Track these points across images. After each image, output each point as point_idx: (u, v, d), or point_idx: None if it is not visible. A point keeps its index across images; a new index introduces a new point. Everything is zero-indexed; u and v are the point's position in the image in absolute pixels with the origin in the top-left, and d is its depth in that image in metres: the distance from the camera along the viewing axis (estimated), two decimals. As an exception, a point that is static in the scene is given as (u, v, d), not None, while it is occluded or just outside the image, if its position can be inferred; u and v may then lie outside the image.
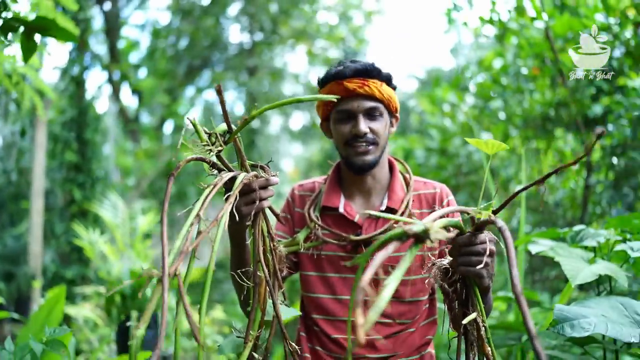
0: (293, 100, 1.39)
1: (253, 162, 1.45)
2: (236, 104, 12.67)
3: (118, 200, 5.06)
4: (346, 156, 1.73)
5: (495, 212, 1.31)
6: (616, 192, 5.29)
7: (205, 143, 1.33)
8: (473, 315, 1.31)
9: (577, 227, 2.25)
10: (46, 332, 1.67)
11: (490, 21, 6.07)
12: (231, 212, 1.29)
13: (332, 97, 1.35)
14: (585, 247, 2.13)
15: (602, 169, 5.70)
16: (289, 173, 18.78)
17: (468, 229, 1.32)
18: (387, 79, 1.74)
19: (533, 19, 5.75)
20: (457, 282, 1.38)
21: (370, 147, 1.69)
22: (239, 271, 1.43)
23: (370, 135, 1.69)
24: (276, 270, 1.42)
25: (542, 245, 2.11)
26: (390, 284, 0.80)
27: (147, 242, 4.84)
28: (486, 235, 1.32)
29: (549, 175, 1.20)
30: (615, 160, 5.43)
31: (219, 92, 1.29)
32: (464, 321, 1.28)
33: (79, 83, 7.87)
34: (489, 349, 1.32)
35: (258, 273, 1.36)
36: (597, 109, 5.75)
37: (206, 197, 1.21)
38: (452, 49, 19.51)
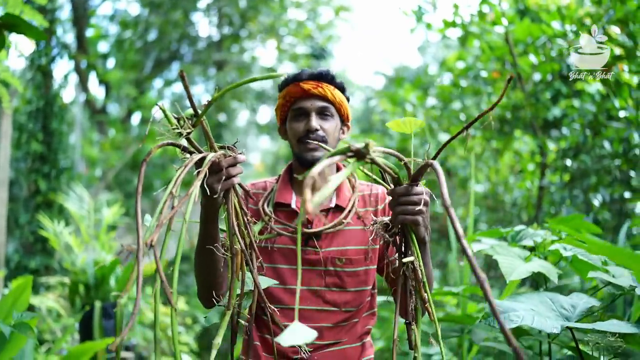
0: (248, 80, 1.51)
1: (221, 144, 1.56)
2: (203, 98, 12.69)
3: (84, 192, 5.11)
4: (298, 152, 1.87)
5: (433, 159, 1.46)
6: (568, 193, 5.51)
7: (174, 127, 1.44)
8: (411, 258, 1.46)
9: (517, 228, 2.41)
10: (14, 316, 1.77)
11: (453, 24, 6.23)
12: (204, 189, 1.43)
13: (283, 74, 1.47)
14: (524, 246, 2.30)
15: (556, 171, 5.93)
16: (256, 166, 18.83)
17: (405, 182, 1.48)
18: (340, 87, 1.90)
19: (494, 23, 5.93)
20: (396, 234, 1.54)
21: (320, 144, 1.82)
22: (212, 246, 1.56)
23: (320, 133, 1.83)
24: (252, 242, 1.54)
25: (484, 244, 2.26)
26: (333, 181, 0.92)
27: (112, 234, 4.91)
28: (422, 188, 1.48)
29: (472, 122, 1.35)
30: (569, 162, 5.65)
31: (182, 78, 1.41)
32: (405, 260, 1.44)
33: (45, 73, 7.84)
34: (426, 295, 1.48)
35: (235, 246, 1.47)
36: (555, 112, 5.97)
37: (178, 176, 1.34)
38: (420, 47, 19.76)
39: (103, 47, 15.23)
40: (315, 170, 0.92)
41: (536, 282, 2.46)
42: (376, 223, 1.60)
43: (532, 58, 6.04)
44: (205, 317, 1.60)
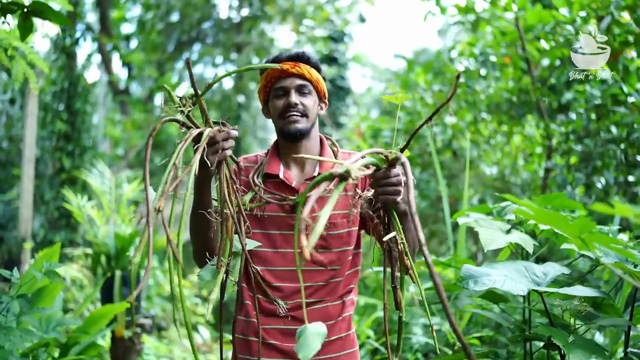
0: (245, 68, 1.76)
1: (215, 120, 1.76)
2: (225, 79, 12.86)
3: (105, 169, 5.36)
4: (281, 126, 2.07)
5: (401, 150, 1.67)
6: (572, 176, 5.65)
7: (177, 105, 1.67)
8: (393, 234, 1.67)
9: (504, 204, 2.59)
10: (44, 265, 2.01)
11: (466, 9, 6.34)
12: (201, 160, 1.63)
13: (276, 65, 1.79)
14: (508, 220, 2.48)
15: (563, 154, 6.07)
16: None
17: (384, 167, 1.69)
18: (316, 67, 2.11)
19: (505, 9, 6.04)
20: (379, 209, 1.77)
21: (301, 118, 2.03)
22: (205, 211, 1.77)
23: (300, 107, 2.03)
24: (240, 208, 1.76)
25: (469, 218, 2.45)
26: (323, 215, 1.14)
27: (132, 208, 5.17)
28: (399, 169, 1.69)
29: (433, 115, 1.55)
30: (575, 145, 5.79)
31: (188, 65, 1.65)
32: (385, 238, 1.65)
33: (69, 54, 8.09)
34: (408, 261, 1.68)
35: (225, 211, 1.69)
36: (568, 96, 6.09)
37: (180, 149, 1.57)
38: (440, 30, 19.76)
39: (126, 28, 15.47)
40: (307, 209, 1.15)
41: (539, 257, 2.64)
42: (360, 197, 1.81)
43: (543, 43, 6.15)
44: (198, 275, 1.81)
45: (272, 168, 2.08)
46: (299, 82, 2.05)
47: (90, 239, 4.90)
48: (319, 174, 2.06)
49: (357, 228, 2.08)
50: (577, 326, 2.14)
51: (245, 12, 11.02)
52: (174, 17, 12.32)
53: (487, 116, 6.32)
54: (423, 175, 6.26)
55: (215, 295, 1.67)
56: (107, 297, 4.38)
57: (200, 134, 1.65)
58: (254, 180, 2.03)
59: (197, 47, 13.14)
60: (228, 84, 12.32)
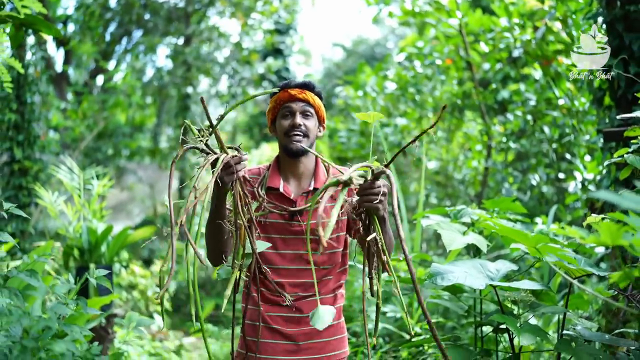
0: (249, 97, 2.11)
1: (230, 145, 2.07)
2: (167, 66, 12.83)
3: (74, 165, 5.48)
4: (285, 144, 2.38)
5: (386, 166, 1.98)
6: (508, 173, 6.15)
7: (197, 136, 2.01)
8: (374, 235, 2.00)
9: (459, 207, 2.95)
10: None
11: (412, 13, 6.70)
12: (216, 181, 1.96)
13: (274, 90, 2.19)
14: (464, 223, 2.85)
15: (501, 152, 6.56)
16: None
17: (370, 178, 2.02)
18: (319, 94, 2.44)
19: (449, 15, 6.44)
20: (362, 213, 2.10)
21: (303, 138, 2.35)
22: (221, 222, 2.11)
23: (303, 128, 2.35)
24: (252, 219, 2.09)
25: (431, 220, 2.81)
26: (334, 213, 1.55)
27: (103, 203, 5.33)
28: (381, 182, 2.01)
29: (416, 138, 1.87)
30: (512, 145, 6.28)
31: (202, 102, 1.93)
32: (368, 238, 2.00)
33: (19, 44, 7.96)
34: (385, 257, 2.03)
35: (238, 221, 2.03)
36: (504, 94, 6.57)
37: (199, 173, 1.91)
38: (375, 19, 20.16)
39: (63, 11, 15.09)
40: (321, 207, 1.59)
41: (473, 251, 3.02)
42: (347, 202, 2.13)
43: (484, 46, 6.60)
44: (217, 274, 2.12)
45: (273, 182, 2.39)
46: (304, 106, 2.37)
47: (62, 233, 5.04)
48: (314, 188, 2.38)
49: (344, 233, 2.42)
50: (522, 313, 2.53)
51: (195, 5, 11.08)
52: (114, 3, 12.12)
53: (431, 114, 6.74)
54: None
55: (229, 291, 2.01)
56: (82, 288, 4.53)
57: (216, 159, 1.97)
58: (258, 192, 2.34)
59: (137, 33, 13.03)
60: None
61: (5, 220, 7.55)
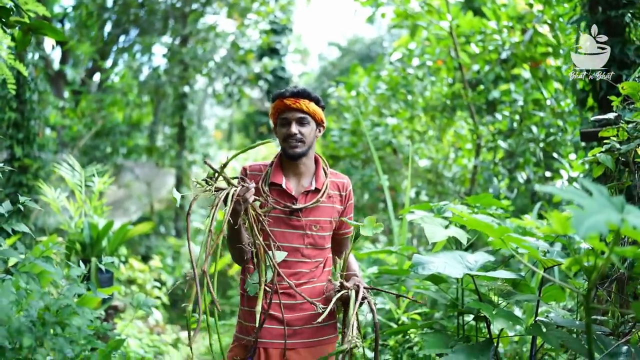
0: (255, 145, 2.44)
1: (235, 176, 2.36)
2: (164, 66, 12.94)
3: (75, 163, 5.65)
4: (283, 149, 2.61)
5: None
6: (496, 171, 6.33)
7: (208, 181, 2.29)
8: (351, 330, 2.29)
9: (442, 203, 3.13)
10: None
11: (405, 15, 6.87)
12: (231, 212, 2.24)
13: (269, 141, 2.43)
14: (445, 217, 3.03)
15: (490, 150, 6.74)
16: (214, 135, 19.34)
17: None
18: (315, 100, 2.61)
19: (440, 17, 6.62)
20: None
21: (299, 144, 2.55)
22: (241, 245, 2.48)
23: (299, 136, 2.55)
24: (265, 227, 2.42)
25: (416, 215, 2.99)
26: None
27: (104, 200, 5.49)
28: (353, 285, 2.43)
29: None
30: (501, 144, 6.47)
31: (206, 163, 2.25)
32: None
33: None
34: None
35: (256, 241, 2.35)
36: (495, 94, 6.75)
37: (213, 214, 2.19)
38: (369, 18, 20.30)
39: (60, 9, 15.17)
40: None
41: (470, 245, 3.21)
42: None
43: (474, 47, 6.78)
44: (248, 288, 2.48)
45: (276, 178, 2.61)
46: (299, 115, 2.56)
47: (65, 228, 5.22)
48: (315, 188, 2.60)
49: (331, 233, 2.67)
50: (499, 302, 2.71)
51: (193, 6, 11.21)
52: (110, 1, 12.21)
53: (422, 113, 6.91)
54: (367, 171, 6.83)
55: (259, 307, 2.34)
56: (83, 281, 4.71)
57: (227, 194, 2.25)
58: (262, 188, 2.55)
59: (134, 32, 13.13)
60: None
61: (5, 217, 7.67)
